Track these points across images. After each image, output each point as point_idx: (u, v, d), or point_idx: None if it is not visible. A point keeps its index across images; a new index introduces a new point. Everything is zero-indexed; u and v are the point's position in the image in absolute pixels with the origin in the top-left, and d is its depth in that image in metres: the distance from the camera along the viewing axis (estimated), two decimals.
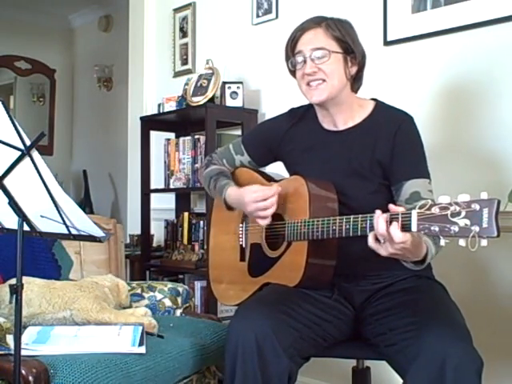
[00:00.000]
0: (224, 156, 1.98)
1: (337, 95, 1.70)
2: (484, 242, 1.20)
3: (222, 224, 1.98)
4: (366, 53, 1.75)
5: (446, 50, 2.37)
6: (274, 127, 1.88)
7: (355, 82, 1.75)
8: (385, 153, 1.69)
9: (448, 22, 2.34)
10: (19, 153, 1.33)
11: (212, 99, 2.98)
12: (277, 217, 1.77)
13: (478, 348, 1.42)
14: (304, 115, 1.84)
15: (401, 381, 1.50)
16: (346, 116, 1.75)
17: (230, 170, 1.97)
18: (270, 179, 1.88)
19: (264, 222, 1.72)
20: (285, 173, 1.90)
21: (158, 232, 3.50)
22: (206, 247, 3.01)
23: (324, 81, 1.68)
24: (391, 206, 1.38)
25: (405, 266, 1.53)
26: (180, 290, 2.35)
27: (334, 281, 1.71)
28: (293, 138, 1.83)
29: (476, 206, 1.21)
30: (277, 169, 1.96)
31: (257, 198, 1.69)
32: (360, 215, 1.47)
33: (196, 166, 3.07)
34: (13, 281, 1.57)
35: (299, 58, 1.71)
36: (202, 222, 3.11)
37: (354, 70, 1.72)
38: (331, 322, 1.67)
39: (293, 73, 1.77)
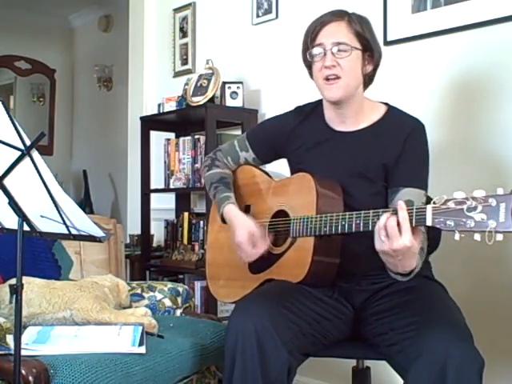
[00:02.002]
0: (229, 153, 1.98)
1: (352, 93, 1.69)
2: (500, 237, 1.22)
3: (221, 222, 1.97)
4: (382, 52, 1.74)
5: (446, 50, 2.37)
6: (280, 125, 1.87)
7: (368, 81, 1.75)
8: (392, 157, 1.69)
9: (448, 21, 2.34)
10: (19, 153, 1.33)
11: (212, 99, 2.98)
12: (281, 213, 1.77)
13: (478, 347, 1.42)
14: (310, 113, 1.83)
15: (401, 381, 1.50)
16: (357, 117, 1.74)
17: (234, 167, 1.97)
18: (272, 176, 1.88)
19: (245, 260, 1.79)
20: (286, 171, 1.90)
21: (158, 232, 3.50)
22: (205, 247, 3.01)
23: (339, 78, 1.66)
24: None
25: None
26: (180, 290, 2.35)
27: (335, 280, 1.70)
28: (299, 136, 1.82)
29: (493, 201, 1.22)
30: (279, 167, 1.96)
31: (248, 241, 1.75)
32: (371, 210, 1.46)
33: (196, 165, 3.08)
34: (13, 281, 1.57)
35: (318, 50, 1.67)
36: (201, 222, 3.11)
37: (369, 68, 1.71)
38: (331, 321, 1.67)
39: (308, 65, 1.75)
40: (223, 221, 1.87)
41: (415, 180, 1.67)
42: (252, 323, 1.50)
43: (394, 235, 1.37)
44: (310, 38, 1.70)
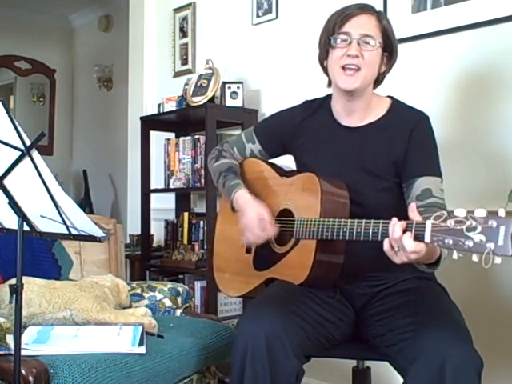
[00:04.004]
0: (235, 144, 1.96)
1: (366, 87, 1.69)
2: (498, 260, 1.19)
3: (230, 212, 1.93)
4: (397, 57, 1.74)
5: (446, 50, 2.37)
6: (288, 119, 1.86)
7: (379, 80, 1.75)
8: (400, 152, 1.68)
9: (448, 21, 2.34)
10: (19, 153, 1.33)
11: (212, 99, 2.98)
12: (286, 212, 1.76)
13: (477, 348, 1.42)
14: (318, 108, 1.82)
15: (401, 381, 1.50)
16: (365, 112, 1.73)
17: (240, 159, 1.96)
18: (281, 173, 1.86)
19: (250, 242, 1.77)
20: (294, 165, 1.88)
21: (158, 232, 3.50)
22: (205, 247, 3.02)
23: (359, 69, 1.64)
24: (412, 206, 1.37)
25: (405, 268, 1.53)
26: (180, 289, 2.35)
27: (336, 282, 1.70)
28: (305, 131, 1.81)
29: (493, 223, 1.19)
30: (287, 161, 1.95)
31: (258, 224, 1.71)
32: (372, 220, 1.45)
33: (196, 165, 3.08)
34: (13, 281, 1.57)
35: (344, 37, 1.65)
36: (201, 222, 3.11)
37: (384, 68, 1.72)
38: (334, 323, 1.67)
39: (325, 51, 1.71)
40: (233, 208, 1.85)
41: (428, 168, 1.66)
42: (263, 329, 1.49)
43: (401, 248, 1.35)
44: (338, 24, 1.66)
